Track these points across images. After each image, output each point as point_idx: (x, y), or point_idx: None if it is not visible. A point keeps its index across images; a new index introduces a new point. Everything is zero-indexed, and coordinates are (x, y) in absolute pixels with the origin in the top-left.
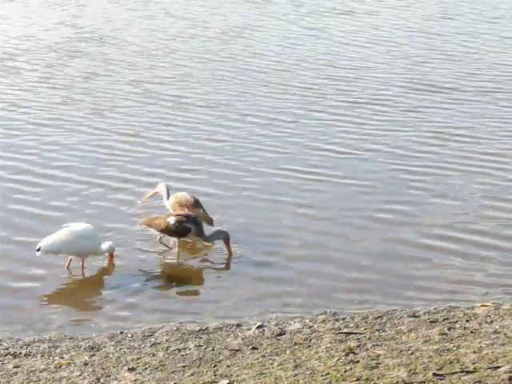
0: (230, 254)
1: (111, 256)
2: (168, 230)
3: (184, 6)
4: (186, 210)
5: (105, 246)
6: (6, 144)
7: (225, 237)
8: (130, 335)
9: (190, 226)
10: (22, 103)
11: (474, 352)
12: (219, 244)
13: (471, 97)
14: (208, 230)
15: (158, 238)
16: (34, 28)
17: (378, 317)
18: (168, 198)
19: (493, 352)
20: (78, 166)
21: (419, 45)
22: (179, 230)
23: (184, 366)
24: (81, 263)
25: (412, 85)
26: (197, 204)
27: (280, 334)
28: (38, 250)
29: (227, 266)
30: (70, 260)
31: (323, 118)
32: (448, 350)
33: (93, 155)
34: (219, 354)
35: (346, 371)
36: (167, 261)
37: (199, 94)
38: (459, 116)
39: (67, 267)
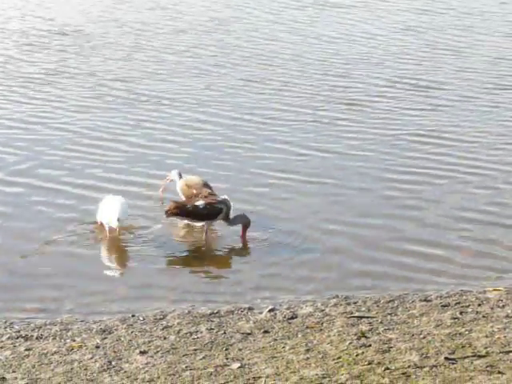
0: (244, 240)
1: None
2: (198, 215)
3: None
4: (194, 191)
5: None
6: None
7: (245, 222)
8: (141, 318)
9: (220, 206)
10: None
11: (486, 336)
12: (232, 228)
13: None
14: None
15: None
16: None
17: (390, 301)
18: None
19: (505, 336)
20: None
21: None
22: (210, 211)
23: (195, 350)
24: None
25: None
26: (205, 185)
27: (292, 318)
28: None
29: (239, 250)
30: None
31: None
32: (460, 334)
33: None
34: (231, 337)
35: (357, 355)
36: (179, 245)
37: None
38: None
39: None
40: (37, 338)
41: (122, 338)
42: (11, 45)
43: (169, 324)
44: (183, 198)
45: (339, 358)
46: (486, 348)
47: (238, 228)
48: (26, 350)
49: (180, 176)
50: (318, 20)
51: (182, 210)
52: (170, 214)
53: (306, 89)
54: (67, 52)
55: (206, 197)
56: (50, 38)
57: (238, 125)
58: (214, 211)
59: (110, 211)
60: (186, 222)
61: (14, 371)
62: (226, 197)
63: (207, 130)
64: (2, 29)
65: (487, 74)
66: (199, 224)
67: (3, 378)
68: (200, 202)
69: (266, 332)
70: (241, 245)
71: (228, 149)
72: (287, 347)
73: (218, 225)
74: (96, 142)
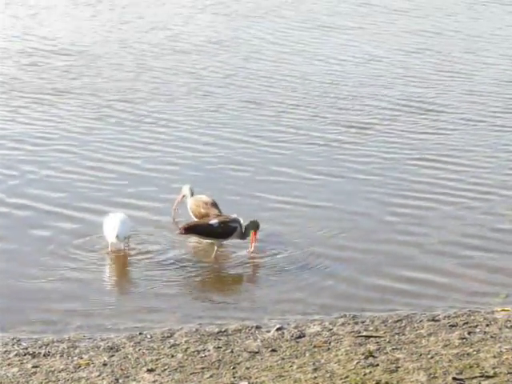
0: (254, 243)
1: None
2: (212, 233)
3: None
4: (202, 210)
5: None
6: None
7: (256, 226)
8: (149, 336)
9: (235, 225)
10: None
11: (494, 357)
12: (238, 246)
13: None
14: None
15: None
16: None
17: (398, 320)
18: None
19: None
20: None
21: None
22: (225, 230)
23: (203, 368)
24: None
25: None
26: (214, 205)
27: (299, 337)
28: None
29: (248, 269)
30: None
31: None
32: (468, 354)
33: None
34: (238, 356)
35: (365, 374)
36: (187, 263)
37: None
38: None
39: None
40: (44, 355)
41: (130, 356)
42: (14, 65)
43: (176, 342)
44: (193, 217)
45: (347, 377)
46: (493, 368)
47: (246, 245)
48: (33, 367)
49: (192, 193)
50: (322, 42)
51: (196, 229)
52: (184, 232)
53: (311, 111)
54: (71, 72)
55: (217, 216)
56: (54, 59)
57: (244, 147)
58: (228, 230)
59: (110, 228)
60: (197, 239)
61: None
62: (236, 216)
63: (212, 153)
64: (4, 48)
65: (495, 97)
66: (211, 241)
67: None
68: (214, 221)
69: (273, 351)
70: (249, 264)
71: (234, 172)
72: (295, 366)
73: (228, 243)
74: (99, 165)
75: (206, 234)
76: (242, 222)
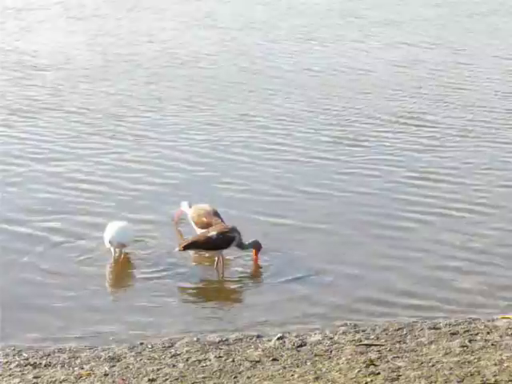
0: (256, 264)
1: None
2: (212, 245)
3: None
4: (205, 219)
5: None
6: None
7: (258, 246)
8: (150, 346)
9: (233, 234)
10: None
11: (495, 364)
12: (238, 257)
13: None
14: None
15: (215, 265)
16: None
17: (399, 328)
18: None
19: None
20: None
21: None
22: (224, 240)
23: (204, 377)
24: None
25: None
26: (215, 214)
27: (300, 346)
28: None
29: (248, 278)
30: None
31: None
32: (469, 362)
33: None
34: (239, 365)
35: (366, 383)
36: (188, 273)
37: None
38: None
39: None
40: (45, 366)
41: (131, 366)
42: None
43: (177, 352)
44: (194, 227)
45: None
46: (495, 376)
47: (247, 256)
48: (34, 377)
49: (190, 205)
50: (314, 54)
51: (195, 244)
52: (184, 249)
53: (305, 125)
54: (56, 88)
55: (215, 228)
56: (39, 73)
57: (237, 161)
58: (227, 240)
59: (106, 234)
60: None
61: None
62: (232, 225)
63: (206, 166)
64: None
65: (493, 111)
66: (212, 253)
67: None
68: (212, 233)
69: (274, 360)
70: (250, 273)
71: (224, 185)
72: (296, 375)
73: (229, 254)
74: (84, 186)
75: (205, 247)
76: (238, 230)
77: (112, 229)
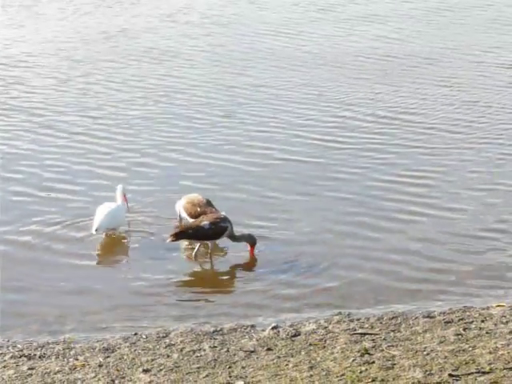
0: (252, 257)
1: None
2: (204, 235)
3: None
4: (199, 209)
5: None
6: None
7: (252, 242)
8: (144, 336)
9: (225, 224)
10: None
11: (490, 352)
12: (232, 246)
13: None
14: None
15: (193, 254)
16: None
17: (393, 317)
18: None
19: (508, 352)
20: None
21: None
22: (216, 230)
23: (199, 368)
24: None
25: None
26: (208, 203)
27: (295, 335)
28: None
29: (242, 268)
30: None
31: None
32: (463, 350)
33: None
34: (234, 355)
35: (361, 372)
36: (182, 263)
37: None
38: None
39: None
40: (40, 357)
41: (125, 357)
42: None
43: (172, 342)
44: (187, 217)
45: (343, 375)
46: (489, 364)
47: (242, 246)
48: (28, 369)
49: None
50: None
51: (187, 233)
52: (176, 238)
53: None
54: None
55: (208, 218)
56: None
57: (215, 165)
58: (219, 230)
59: (96, 217)
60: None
61: None
62: (224, 214)
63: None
64: None
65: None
66: (204, 243)
67: None
68: (205, 223)
69: (269, 349)
70: (244, 263)
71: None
72: (290, 365)
73: (223, 243)
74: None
75: (197, 236)
76: (230, 220)
77: (101, 214)
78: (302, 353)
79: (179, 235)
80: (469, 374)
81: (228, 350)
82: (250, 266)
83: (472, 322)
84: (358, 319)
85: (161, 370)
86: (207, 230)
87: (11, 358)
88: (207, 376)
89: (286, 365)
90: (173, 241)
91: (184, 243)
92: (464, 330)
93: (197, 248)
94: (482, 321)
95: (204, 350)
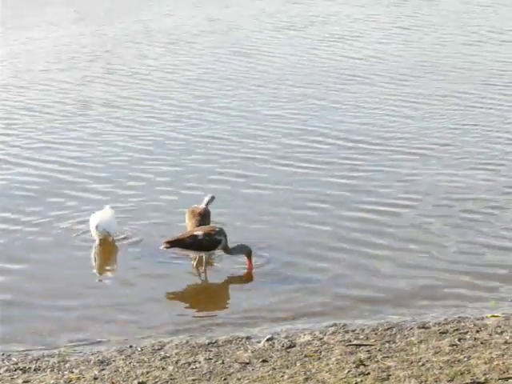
0: (250, 269)
1: None
2: (197, 245)
3: None
4: (187, 221)
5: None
6: None
7: (248, 252)
8: (139, 349)
9: (220, 237)
10: None
11: (485, 363)
12: (226, 258)
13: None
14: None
15: (193, 263)
16: None
17: (388, 328)
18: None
19: (503, 363)
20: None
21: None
22: (210, 242)
23: (194, 380)
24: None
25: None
26: (200, 214)
27: (290, 347)
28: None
29: (237, 280)
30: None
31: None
32: (459, 360)
33: None
34: (229, 367)
35: (356, 383)
36: (177, 275)
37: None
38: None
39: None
40: (35, 370)
41: (120, 369)
42: None
43: (167, 354)
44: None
45: None
46: (484, 375)
47: (237, 258)
48: (23, 382)
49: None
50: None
51: (180, 241)
52: (169, 246)
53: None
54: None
55: (202, 228)
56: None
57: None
58: (213, 242)
59: (92, 221)
60: (185, 252)
61: None
62: (220, 227)
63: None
64: None
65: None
66: (198, 254)
67: None
68: (199, 233)
69: (264, 361)
70: (238, 275)
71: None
72: (286, 376)
73: (217, 255)
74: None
75: (190, 246)
76: (225, 233)
77: (98, 216)
78: (298, 364)
79: (173, 243)
80: None
81: (223, 362)
82: (244, 277)
83: (467, 332)
84: (353, 330)
85: (156, 382)
86: (200, 241)
87: (6, 371)
88: None
89: (282, 376)
90: (167, 248)
91: (180, 256)
92: (459, 340)
93: (196, 259)
94: (477, 331)
95: (199, 362)
